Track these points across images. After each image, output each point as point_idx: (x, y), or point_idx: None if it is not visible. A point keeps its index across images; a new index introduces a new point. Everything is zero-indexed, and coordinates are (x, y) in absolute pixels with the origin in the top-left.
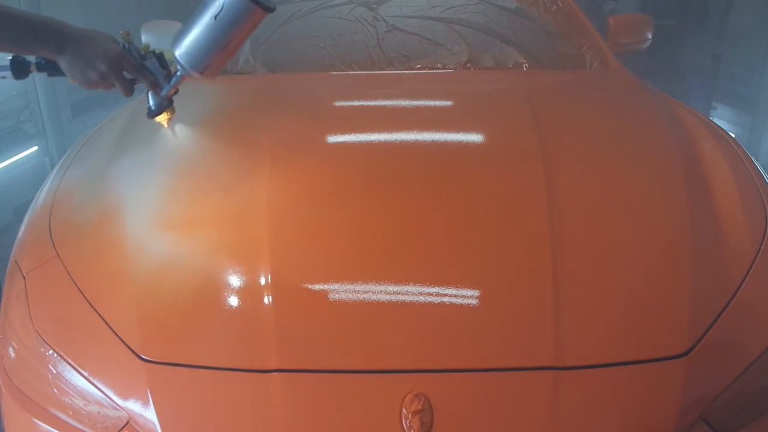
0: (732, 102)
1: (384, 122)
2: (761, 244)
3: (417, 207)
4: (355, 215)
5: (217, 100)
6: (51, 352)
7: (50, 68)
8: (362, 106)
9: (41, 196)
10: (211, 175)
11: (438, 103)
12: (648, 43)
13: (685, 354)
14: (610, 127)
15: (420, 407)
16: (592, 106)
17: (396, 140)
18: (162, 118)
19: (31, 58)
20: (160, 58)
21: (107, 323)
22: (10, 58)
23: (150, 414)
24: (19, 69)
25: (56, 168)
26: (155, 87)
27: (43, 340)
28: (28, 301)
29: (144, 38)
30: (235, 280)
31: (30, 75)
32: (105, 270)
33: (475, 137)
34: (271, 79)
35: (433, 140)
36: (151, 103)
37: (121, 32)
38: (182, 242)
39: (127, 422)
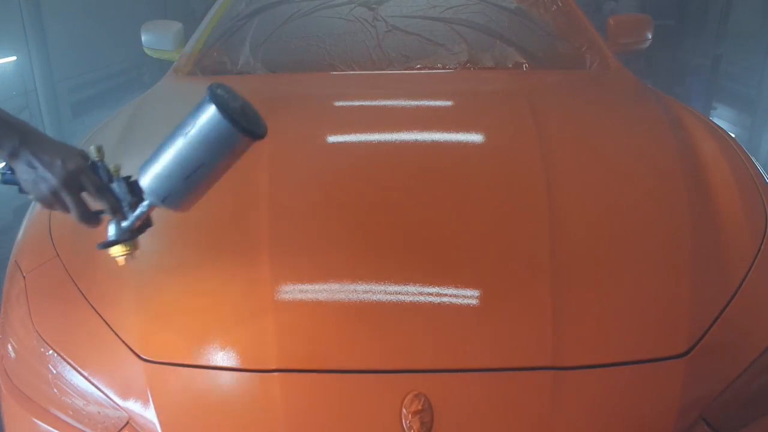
0: (732, 102)
1: (384, 122)
2: (761, 244)
3: (417, 207)
4: (355, 215)
5: None
6: (51, 352)
7: (17, 181)
8: (362, 106)
9: None
10: None
11: (438, 103)
12: (648, 43)
13: (685, 354)
14: (610, 127)
15: (420, 407)
16: (592, 106)
17: (396, 140)
18: (117, 252)
19: None
20: (131, 184)
21: (107, 323)
22: None
23: (150, 414)
24: None
25: None
26: (116, 213)
27: (43, 340)
28: (28, 301)
29: (144, 38)
30: (235, 280)
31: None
32: (105, 270)
33: (476, 137)
34: (271, 79)
35: (433, 140)
36: (111, 232)
37: (92, 147)
38: (182, 241)
39: (127, 422)
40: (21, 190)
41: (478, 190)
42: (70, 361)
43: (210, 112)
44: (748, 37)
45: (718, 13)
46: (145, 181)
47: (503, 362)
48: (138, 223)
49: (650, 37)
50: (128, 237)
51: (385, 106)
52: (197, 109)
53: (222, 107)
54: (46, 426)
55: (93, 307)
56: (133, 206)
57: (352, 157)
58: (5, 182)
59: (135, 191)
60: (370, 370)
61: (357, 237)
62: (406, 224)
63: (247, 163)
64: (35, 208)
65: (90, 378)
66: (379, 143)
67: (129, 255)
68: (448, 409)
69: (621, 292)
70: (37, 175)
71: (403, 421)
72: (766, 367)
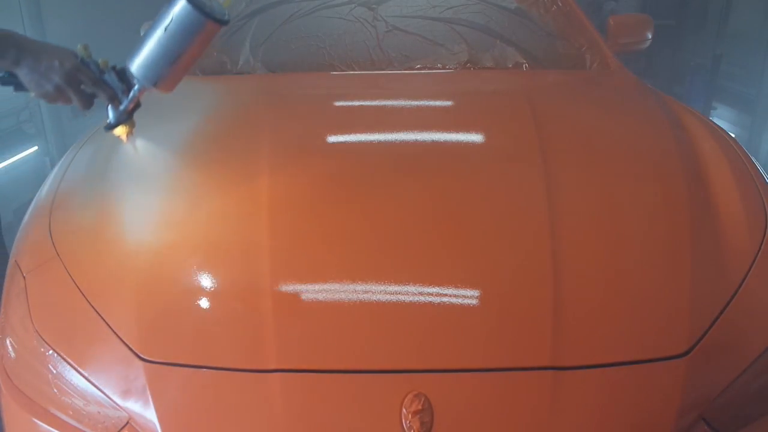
0: (732, 102)
1: (384, 122)
2: (761, 244)
3: (417, 207)
4: (355, 215)
5: (217, 99)
6: (51, 352)
7: (14, 83)
8: (362, 106)
9: (41, 196)
10: (211, 174)
11: (438, 103)
12: (648, 43)
13: (685, 354)
14: (611, 127)
15: (420, 407)
16: (593, 105)
17: (396, 140)
18: (120, 131)
19: None
20: (119, 72)
21: (107, 323)
22: None
23: (150, 414)
24: None
25: (56, 168)
26: (113, 100)
27: (43, 340)
28: (28, 301)
29: None
30: (235, 280)
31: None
32: (105, 270)
33: (476, 137)
34: (271, 79)
35: (433, 140)
36: (111, 116)
37: (79, 46)
38: (182, 242)
39: (127, 422)
40: (16, 89)
41: (478, 190)
42: (70, 361)
43: (182, 5)
44: (748, 37)
45: (718, 13)
46: (137, 70)
47: (503, 362)
48: (131, 105)
49: (650, 37)
50: (126, 118)
51: (385, 106)
52: (171, 4)
53: (191, 1)
54: (46, 426)
55: (93, 307)
56: (126, 92)
57: (351, 157)
58: (4, 84)
59: (124, 79)
60: (370, 370)
61: (357, 237)
62: (406, 224)
63: (248, 162)
64: (35, 208)
65: (90, 378)
66: (379, 143)
67: (130, 133)
68: (448, 409)
69: (621, 292)
70: (40, 76)
71: (403, 421)
72: (766, 367)
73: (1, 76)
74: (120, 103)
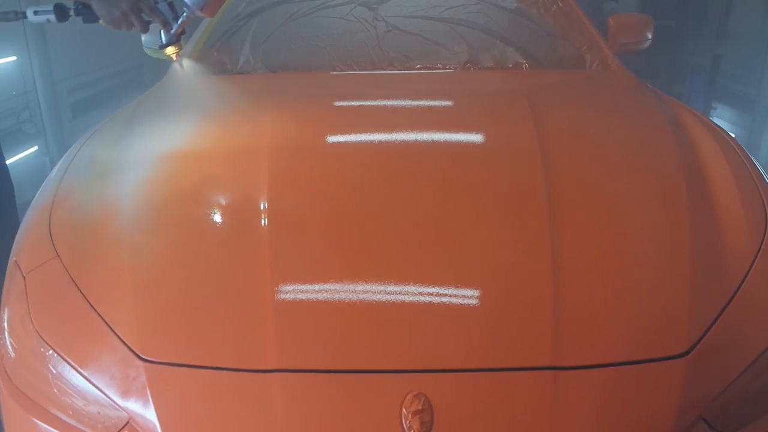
0: (732, 102)
1: (384, 122)
2: (761, 244)
3: (417, 207)
4: (355, 215)
5: (218, 99)
6: (51, 352)
7: (85, 14)
8: (362, 106)
9: (41, 196)
10: (210, 175)
11: (438, 103)
12: (648, 43)
13: (685, 354)
14: (611, 127)
15: (420, 407)
16: (593, 105)
17: (396, 140)
18: (171, 51)
19: (70, 4)
20: (170, 3)
21: (107, 323)
22: (54, 4)
23: (150, 414)
24: (61, 13)
25: (56, 168)
26: (166, 25)
27: (43, 340)
28: (28, 301)
29: (144, 38)
30: (235, 280)
31: (48, 56)
32: (105, 270)
33: (475, 137)
34: (271, 79)
35: (433, 140)
36: (163, 39)
37: None
38: (182, 242)
39: (127, 422)
40: (85, 21)
41: (478, 191)
42: (70, 361)
43: None
44: (748, 37)
45: (718, 13)
46: None
47: (503, 362)
48: (179, 30)
49: (650, 37)
50: (176, 40)
51: (385, 106)
52: None
53: None
54: (46, 426)
55: (93, 307)
56: (175, 18)
57: (351, 157)
58: (77, 15)
59: (173, 8)
60: (370, 370)
61: (357, 237)
62: (405, 224)
63: (248, 162)
64: (35, 208)
65: (90, 378)
66: (379, 143)
67: (177, 53)
68: (448, 409)
69: (621, 292)
70: (110, 4)
71: (403, 421)
72: (766, 367)
73: (75, 7)
74: (171, 28)
